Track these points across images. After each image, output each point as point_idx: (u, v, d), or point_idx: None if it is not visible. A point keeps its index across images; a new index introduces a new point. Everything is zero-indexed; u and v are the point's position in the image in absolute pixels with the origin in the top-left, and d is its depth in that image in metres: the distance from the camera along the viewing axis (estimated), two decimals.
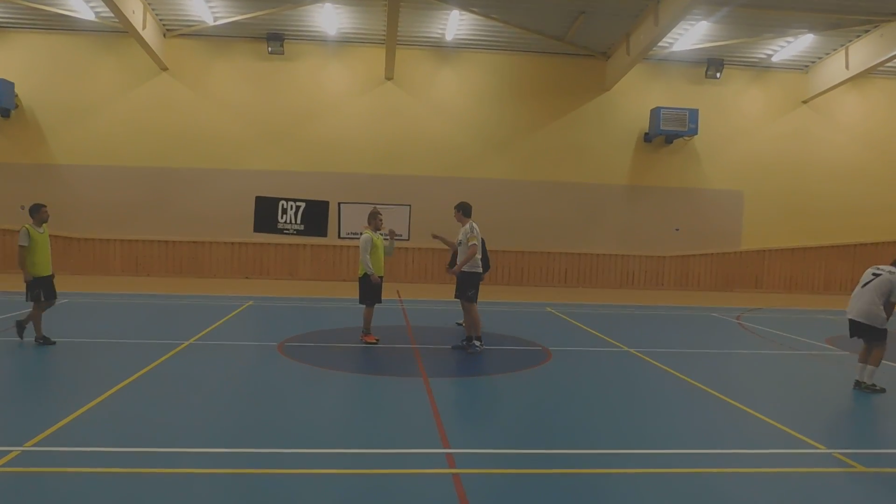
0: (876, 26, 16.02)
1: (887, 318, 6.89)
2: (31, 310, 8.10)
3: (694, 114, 17.93)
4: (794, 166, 19.15)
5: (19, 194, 17.30)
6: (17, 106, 17.03)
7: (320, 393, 6.37)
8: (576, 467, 4.52)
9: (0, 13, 16.49)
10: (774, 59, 18.24)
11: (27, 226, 7.98)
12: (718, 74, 18.53)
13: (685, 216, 19.09)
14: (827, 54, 17.95)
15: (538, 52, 18.16)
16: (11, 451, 4.37)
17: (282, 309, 12.40)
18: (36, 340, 7.99)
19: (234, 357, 7.90)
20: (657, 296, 17.12)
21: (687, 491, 4.17)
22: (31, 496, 3.80)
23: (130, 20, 14.52)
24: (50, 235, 8.34)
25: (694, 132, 18.03)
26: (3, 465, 4.16)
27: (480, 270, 8.48)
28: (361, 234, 8.75)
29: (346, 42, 17.74)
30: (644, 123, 18.59)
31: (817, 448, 5.01)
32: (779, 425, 5.55)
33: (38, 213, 8.13)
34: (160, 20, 16.78)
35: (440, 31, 17.12)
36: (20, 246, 7.89)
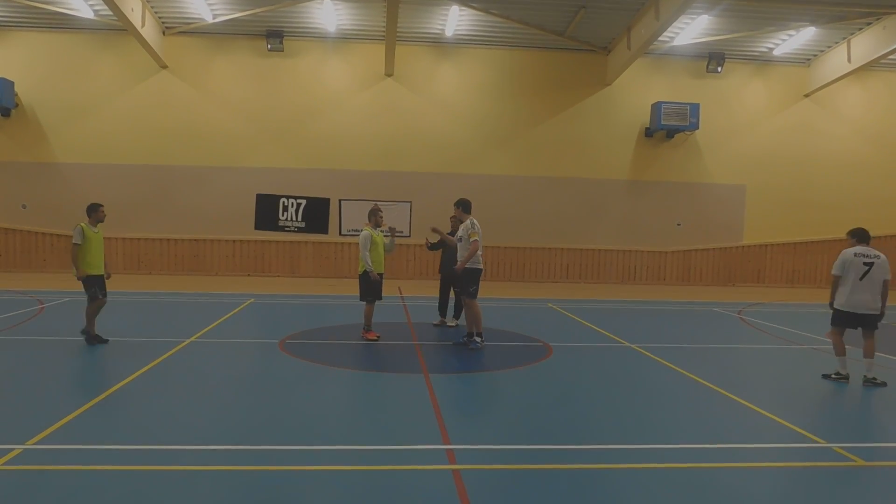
0: (878, 19, 15.94)
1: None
2: (87, 310, 8.04)
3: (695, 108, 17.87)
4: (796, 160, 19.09)
5: (20, 193, 17.36)
6: (17, 105, 17.05)
7: (321, 390, 6.38)
8: (576, 463, 4.53)
9: (0, 12, 16.49)
10: (776, 52, 18.17)
11: (82, 224, 7.98)
12: (720, 68, 18.47)
13: (687, 211, 19.05)
14: (829, 47, 17.87)
15: (538, 47, 18.12)
16: (13, 449, 4.39)
17: (283, 306, 12.42)
18: (84, 335, 7.97)
19: (235, 354, 7.91)
20: (659, 291, 17.11)
21: (688, 485, 4.17)
22: (33, 494, 3.81)
23: (129, 18, 14.50)
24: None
25: (695, 126, 17.98)
26: (5, 464, 4.18)
27: (481, 267, 8.48)
28: (361, 230, 8.75)
29: (345, 38, 17.71)
30: (645, 118, 18.54)
31: (817, 442, 5.01)
32: (779, 419, 5.55)
33: (95, 212, 8.17)
34: (159, 18, 16.76)
35: (440, 27, 17.07)
36: (74, 244, 7.89)
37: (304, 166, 17.78)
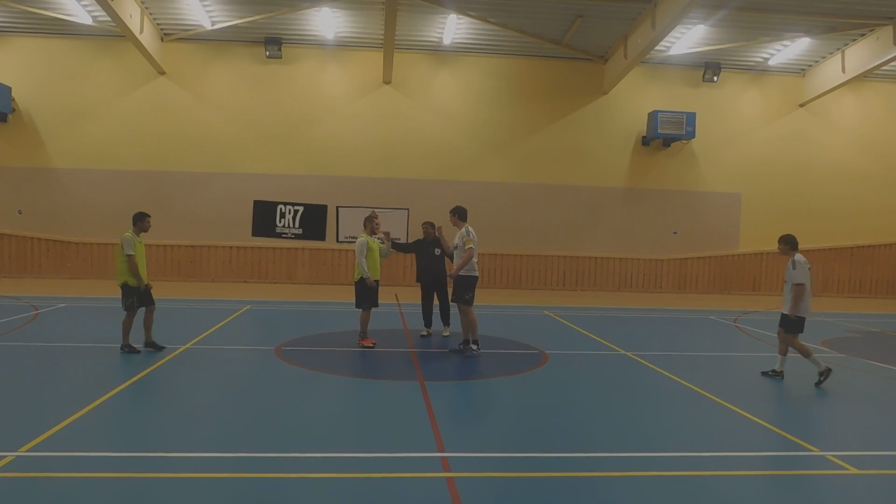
0: (871, 30, 16.08)
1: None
2: (124, 322, 7.92)
3: (691, 117, 17.98)
4: (791, 169, 19.20)
5: (16, 198, 17.34)
6: (14, 110, 17.04)
7: (317, 397, 6.37)
8: (571, 470, 4.53)
9: None
10: (771, 62, 18.30)
11: (130, 234, 7.83)
12: (716, 78, 18.59)
13: (683, 219, 19.12)
14: (823, 58, 18.01)
15: (536, 55, 18.22)
16: (6, 456, 4.37)
17: (280, 313, 12.41)
18: (122, 348, 7.86)
19: (230, 361, 7.90)
20: (655, 298, 17.14)
21: (682, 493, 4.18)
22: (27, 502, 3.79)
23: (128, 24, 14.54)
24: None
25: (691, 135, 18.08)
26: None
27: (477, 274, 8.50)
28: (357, 237, 8.77)
29: (343, 46, 17.78)
30: (642, 126, 18.63)
31: (811, 450, 5.02)
32: (773, 428, 5.56)
33: (141, 221, 8.03)
34: (158, 24, 16.81)
35: (438, 35, 17.16)
36: (128, 255, 7.73)
37: (302, 173, 17.81)
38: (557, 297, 16.75)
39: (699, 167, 19.07)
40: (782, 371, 7.63)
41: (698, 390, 6.89)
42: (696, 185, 19.09)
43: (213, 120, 17.72)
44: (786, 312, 7.46)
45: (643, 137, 18.68)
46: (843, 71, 17.34)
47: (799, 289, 7.28)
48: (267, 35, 17.26)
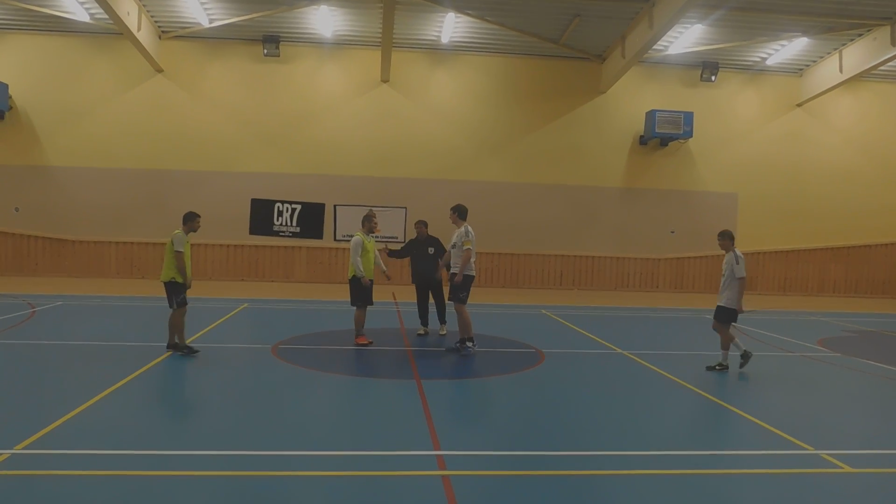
0: (868, 30, 16.12)
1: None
2: (171, 320, 7.85)
3: (689, 116, 18.00)
4: (788, 169, 19.23)
5: (13, 196, 17.29)
6: (10, 108, 16.99)
7: (313, 395, 6.38)
8: (567, 469, 4.54)
9: None
10: (769, 62, 18.33)
11: (180, 232, 7.81)
12: (713, 77, 18.61)
13: (680, 218, 19.15)
14: (821, 58, 18.05)
15: (533, 54, 18.22)
16: (2, 454, 4.37)
17: (277, 311, 12.40)
18: (178, 349, 7.80)
19: (227, 360, 7.89)
20: (652, 298, 17.16)
21: (678, 492, 4.20)
22: (22, 499, 3.80)
23: (125, 22, 14.50)
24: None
25: (689, 135, 18.10)
26: None
27: (473, 273, 8.50)
28: (353, 235, 8.77)
29: (341, 44, 17.77)
30: (639, 126, 18.65)
31: (805, 449, 5.05)
32: (768, 426, 5.58)
33: (192, 221, 8.04)
34: (155, 22, 16.77)
35: (436, 34, 17.15)
36: (177, 252, 7.69)
37: (300, 171, 17.79)
38: (554, 296, 16.77)
39: (696, 167, 19.10)
40: (727, 364, 7.91)
41: (694, 389, 6.91)
42: (694, 185, 19.12)
43: (211, 118, 17.69)
44: (723, 305, 7.74)
45: (640, 137, 18.70)
46: (841, 71, 17.37)
47: (743, 282, 7.65)
48: (265, 33, 17.23)
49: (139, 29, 15.46)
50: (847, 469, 4.65)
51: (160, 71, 17.39)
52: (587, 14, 15.69)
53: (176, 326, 7.85)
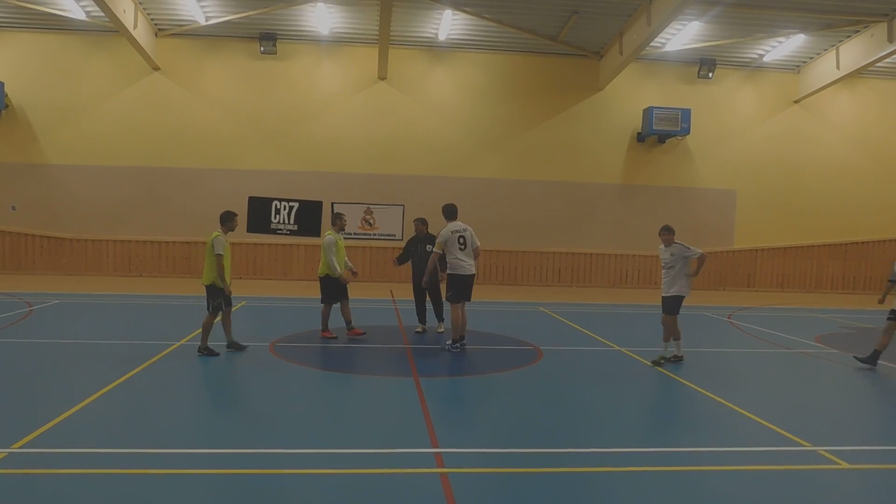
0: (866, 27, 16.12)
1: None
2: (205, 321, 7.77)
3: (686, 113, 18.00)
4: (786, 165, 19.25)
5: (10, 194, 17.25)
6: (7, 105, 16.93)
7: (311, 393, 6.37)
8: (565, 466, 4.54)
9: None
10: (766, 59, 18.33)
11: (219, 233, 7.66)
12: (711, 74, 18.61)
13: (678, 215, 19.08)
14: (818, 54, 18.05)
15: (531, 51, 18.19)
16: None
17: (274, 309, 12.39)
18: (200, 350, 7.70)
19: (225, 357, 7.88)
20: (650, 294, 17.13)
21: (676, 488, 4.20)
22: (20, 498, 3.79)
23: (121, 19, 14.45)
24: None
25: (686, 131, 18.10)
26: None
27: (458, 272, 8.28)
28: (326, 235, 8.99)
29: (338, 42, 17.72)
30: (637, 123, 18.65)
31: (803, 445, 5.06)
32: (766, 423, 5.59)
33: (230, 220, 7.89)
34: (152, 19, 16.71)
35: (433, 31, 17.12)
36: (218, 254, 7.54)
37: (297, 169, 17.76)
38: (552, 293, 16.78)
39: (694, 164, 19.11)
40: (682, 355, 8.06)
41: (693, 386, 6.92)
42: (691, 182, 19.13)
43: (208, 116, 17.64)
44: (675, 294, 7.90)
45: (638, 134, 18.70)
46: (838, 68, 17.38)
47: (703, 258, 7.80)
48: (262, 31, 17.18)
49: (135, 26, 15.41)
50: (844, 465, 4.66)
51: (157, 69, 17.34)
52: (585, 11, 15.67)
53: (206, 329, 7.75)
